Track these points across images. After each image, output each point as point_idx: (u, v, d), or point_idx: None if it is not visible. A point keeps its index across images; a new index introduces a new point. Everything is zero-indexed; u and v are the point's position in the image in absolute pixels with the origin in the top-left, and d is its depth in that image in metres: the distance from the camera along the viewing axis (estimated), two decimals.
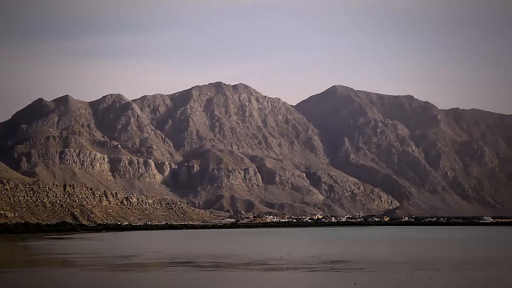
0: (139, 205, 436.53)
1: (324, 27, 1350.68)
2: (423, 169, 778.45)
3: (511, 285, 72.08)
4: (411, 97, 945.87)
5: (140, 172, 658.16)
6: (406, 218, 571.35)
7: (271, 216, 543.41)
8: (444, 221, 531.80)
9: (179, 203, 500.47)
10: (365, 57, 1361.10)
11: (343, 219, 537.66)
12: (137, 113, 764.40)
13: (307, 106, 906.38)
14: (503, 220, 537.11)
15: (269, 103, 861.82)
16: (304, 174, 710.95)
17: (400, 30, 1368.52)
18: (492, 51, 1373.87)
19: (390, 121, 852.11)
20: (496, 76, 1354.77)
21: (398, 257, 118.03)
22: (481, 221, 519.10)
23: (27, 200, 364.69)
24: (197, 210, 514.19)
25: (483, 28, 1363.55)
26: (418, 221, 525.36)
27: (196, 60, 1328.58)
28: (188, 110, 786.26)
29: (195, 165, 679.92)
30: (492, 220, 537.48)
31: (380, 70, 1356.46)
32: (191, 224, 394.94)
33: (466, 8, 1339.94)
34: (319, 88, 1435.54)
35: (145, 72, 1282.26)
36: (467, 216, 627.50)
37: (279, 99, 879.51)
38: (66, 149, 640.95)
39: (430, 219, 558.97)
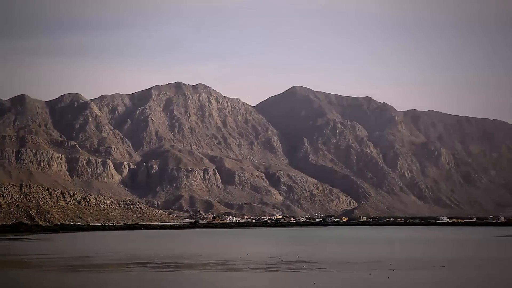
0: (97, 205, 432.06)
1: (283, 28, 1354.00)
2: (381, 170, 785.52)
3: (462, 284, 73.17)
4: (370, 98, 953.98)
5: (98, 172, 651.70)
6: (364, 219, 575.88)
7: (230, 217, 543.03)
8: (401, 221, 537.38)
9: (138, 203, 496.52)
10: (324, 59, 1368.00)
11: (302, 220, 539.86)
12: (95, 112, 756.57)
13: (267, 106, 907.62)
14: (459, 221, 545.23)
15: (229, 104, 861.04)
16: (264, 175, 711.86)
17: (359, 32, 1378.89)
18: (448, 53, 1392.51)
19: (348, 122, 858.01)
20: (453, 78, 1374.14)
21: (357, 257, 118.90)
22: (437, 221, 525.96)
23: None
24: (156, 210, 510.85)
25: (440, 31, 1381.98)
26: (376, 221, 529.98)
27: (156, 60, 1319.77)
28: (147, 110, 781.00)
29: (154, 165, 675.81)
30: (448, 220, 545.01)
31: (339, 72, 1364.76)
32: (149, 225, 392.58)
33: (422, 10, 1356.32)
34: (278, 89, 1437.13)
35: (104, 71, 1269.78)
36: (423, 216, 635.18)
37: (239, 99, 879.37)
38: (22, 149, 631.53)
39: (387, 219, 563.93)
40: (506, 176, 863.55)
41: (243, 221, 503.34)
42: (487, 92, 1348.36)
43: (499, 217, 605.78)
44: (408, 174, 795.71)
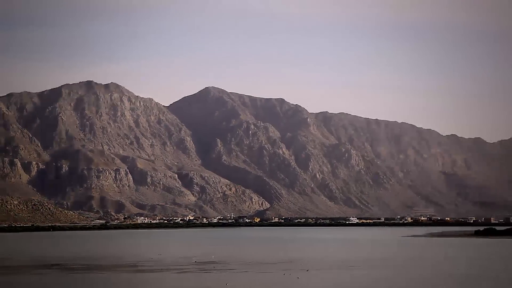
0: (3, 206, 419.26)
1: (197, 29, 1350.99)
2: (293, 171, 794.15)
3: (374, 284, 74.60)
4: (283, 100, 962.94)
5: (5, 172, 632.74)
6: (276, 219, 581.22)
7: (142, 217, 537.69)
8: (312, 222, 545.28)
9: (47, 204, 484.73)
10: (238, 60, 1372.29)
11: (215, 220, 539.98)
12: (2, 110, 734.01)
13: (180, 107, 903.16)
14: (368, 221, 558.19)
15: (142, 103, 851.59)
16: (176, 175, 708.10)
17: (273, 34, 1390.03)
18: (358, 56, 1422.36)
19: (262, 124, 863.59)
20: (363, 81, 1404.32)
21: (270, 257, 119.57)
22: (347, 222, 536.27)
23: None
24: (66, 211, 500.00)
25: (350, 33, 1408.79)
26: (287, 222, 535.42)
27: (66, 58, 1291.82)
28: (57, 109, 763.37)
29: (64, 165, 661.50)
30: (357, 220, 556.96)
31: (252, 73, 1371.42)
32: (59, 226, 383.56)
33: (333, 12, 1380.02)
34: (192, 89, 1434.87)
35: (12, 68, 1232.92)
36: (334, 217, 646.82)
37: (152, 99, 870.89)
38: None
39: (299, 220, 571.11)
40: (412, 177, 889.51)
41: (155, 222, 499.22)
42: (396, 95, 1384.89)
43: (406, 218, 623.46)
44: (319, 175, 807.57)
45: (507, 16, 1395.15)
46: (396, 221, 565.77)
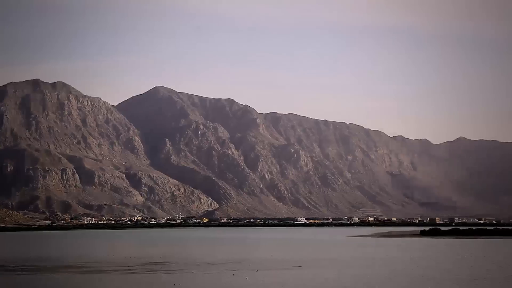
0: None
1: (147, 28, 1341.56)
2: (242, 171, 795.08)
3: (320, 283, 75.17)
4: (232, 100, 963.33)
5: None
6: (225, 220, 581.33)
7: (89, 218, 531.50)
8: (261, 222, 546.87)
9: None
10: (188, 60, 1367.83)
11: (163, 221, 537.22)
12: None
13: (129, 106, 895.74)
14: (316, 221, 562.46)
15: (89, 103, 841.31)
16: (124, 175, 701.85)
17: (222, 34, 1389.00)
18: (307, 58, 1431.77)
19: (211, 124, 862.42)
20: (312, 82, 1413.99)
21: (218, 258, 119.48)
22: (295, 222, 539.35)
23: None
24: (10, 211, 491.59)
25: (298, 34, 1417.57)
26: (236, 222, 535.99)
27: (12, 56, 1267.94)
28: (2, 108, 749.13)
29: (9, 165, 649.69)
30: (305, 221, 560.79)
31: (202, 73, 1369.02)
32: (3, 227, 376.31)
33: (280, 13, 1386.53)
34: (140, 88, 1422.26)
35: None
36: (282, 217, 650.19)
37: (100, 98, 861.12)
38: None
39: (247, 220, 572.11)
40: (360, 178, 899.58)
41: (102, 222, 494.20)
42: (344, 97, 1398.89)
43: (353, 218, 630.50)
44: (268, 176, 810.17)
45: (447, 19, 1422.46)
46: (343, 222, 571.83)
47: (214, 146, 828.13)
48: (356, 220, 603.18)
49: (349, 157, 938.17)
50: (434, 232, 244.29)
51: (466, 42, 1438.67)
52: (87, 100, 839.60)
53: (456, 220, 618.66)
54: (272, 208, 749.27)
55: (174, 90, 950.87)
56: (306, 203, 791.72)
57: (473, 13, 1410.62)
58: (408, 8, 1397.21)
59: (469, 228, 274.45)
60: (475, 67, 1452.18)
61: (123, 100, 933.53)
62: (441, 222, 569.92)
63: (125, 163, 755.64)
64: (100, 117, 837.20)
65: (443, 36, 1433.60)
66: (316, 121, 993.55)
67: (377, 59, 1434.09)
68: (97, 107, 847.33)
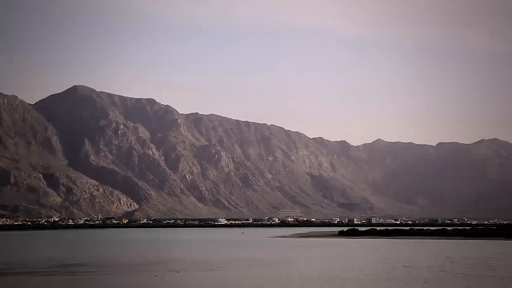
0: None
1: (68, 26, 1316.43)
2: (163, 171, 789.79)
3: (240, 283, 74.97)
4: (153, 100, 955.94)
5: None
6: (145, 220, 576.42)
7: (4, 219, 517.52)
8: (181, 223, 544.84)
9: None
10: (108, 59, 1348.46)
11: (81, 222, 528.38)
12: None
13: (47, 105, 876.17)
14: (236, 222, 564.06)
15: (5, 101, 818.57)
16: (41, 175, 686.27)
17: (143, 33, 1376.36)
18: (229, 58, 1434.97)
19: (131, 124, 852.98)
20: (233, 83, 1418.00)
21: (137, 259, 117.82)
22: (216, 223, 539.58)
23: None
24: None
25: (225, 34, 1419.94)
26: (156, 223, 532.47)
27: None
28: None
29: None
30: (226, 222, 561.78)
31: (123, 72, 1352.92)
32: None
33: (210, 13, 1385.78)
34: (59, 87, 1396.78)
35: None
36: (203, 218, 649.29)
37: (16, 96, 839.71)
38: None
39: (168, 221, 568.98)
40: (280, 179, 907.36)
41: (17, 223, 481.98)
42: (265, 98, 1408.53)
43: (274, 219, 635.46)
44: (189, 176, 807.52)
45: (367, 23, 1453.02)
46: (264, 222, 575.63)
47: (135, 146, 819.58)
48: (277, 220, 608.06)
49: (269, 158, 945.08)
50: (352, 233, 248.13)
51: (386, 47, 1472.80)
52: (3, 98, 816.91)
53: (374, 220, 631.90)
54: (192, 209, 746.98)
55: (94, 89, 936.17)
56: (226, 204, 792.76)
57: (392, 19, 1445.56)
58: (331, 11, 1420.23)
59: (385, 229, 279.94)
60: (394, 71, 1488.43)
61: (41, 99, 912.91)
62: (359, 222, 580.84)
63: (42, 163, 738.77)
64: (17, 115, 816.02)
65: (364, 40, 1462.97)
66: (237, 122, 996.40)
67: (298, 60, 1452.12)
68: (14, 105, 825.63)
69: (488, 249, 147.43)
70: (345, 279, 76.63)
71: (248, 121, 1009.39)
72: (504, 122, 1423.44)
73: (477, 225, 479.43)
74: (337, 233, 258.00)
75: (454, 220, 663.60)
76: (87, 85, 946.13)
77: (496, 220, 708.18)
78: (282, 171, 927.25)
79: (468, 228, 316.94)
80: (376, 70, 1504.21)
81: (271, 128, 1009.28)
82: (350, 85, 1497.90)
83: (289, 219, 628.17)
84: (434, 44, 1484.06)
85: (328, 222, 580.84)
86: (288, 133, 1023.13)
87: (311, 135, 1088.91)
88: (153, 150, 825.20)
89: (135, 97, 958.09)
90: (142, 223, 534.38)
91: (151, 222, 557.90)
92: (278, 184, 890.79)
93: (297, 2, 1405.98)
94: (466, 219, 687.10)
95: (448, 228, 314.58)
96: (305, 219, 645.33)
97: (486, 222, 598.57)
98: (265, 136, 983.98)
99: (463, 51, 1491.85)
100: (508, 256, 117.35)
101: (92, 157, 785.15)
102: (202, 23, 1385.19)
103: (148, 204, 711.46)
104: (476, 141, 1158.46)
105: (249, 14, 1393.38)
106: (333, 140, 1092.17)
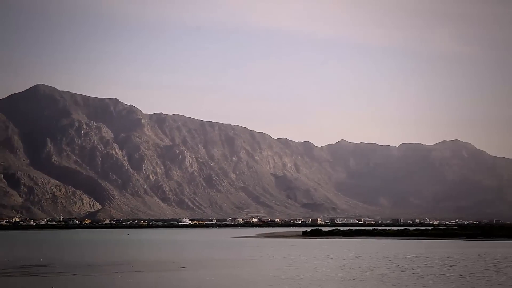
0: None
1: (29, 25, 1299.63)
2: (126, 172, 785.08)
3: (203, 284, 75.14)
4: (116, 100, 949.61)
5: None
6: (108, 221, 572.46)
7: None
8: (145, 223, 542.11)
9: None
10: (71, 58, 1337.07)
11: (43, 222, 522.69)
12: None
13: (7, 104, 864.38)
14: (200, 222, 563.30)
15: None
16: (2, 175, 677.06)
17: (106, 32, 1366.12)
18: (192, 58, 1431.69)
19: (94, 123, 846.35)
20: (197, 83, 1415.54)
21: (100, 259, 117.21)
22: (180, 223, 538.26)
23: None
24: None
25: (187, 35, 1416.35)
26: (119, 224, 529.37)
27: None
28: None
29: None
30: (190, 222, 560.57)
31: (86, 72, 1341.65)
32: None
33: (169, 13, 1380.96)
34: (20, 86, 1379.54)
35: None
36: (166, 218, 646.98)
37: None
38: None
39: (131, 221, 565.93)
40: (244, 179, 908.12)
41: None
42: (230, 98, 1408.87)
43: (238, 219, 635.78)
44: (152, 177, 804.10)
45: (332, 24, 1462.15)
46: (228, 223, 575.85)
47: (98, 146, 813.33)
48: (240, 221, 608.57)
49: (234, 158, 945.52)
50: (316, 233, 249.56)
51: (352, 48, 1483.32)
52: None
53: (337, 220, 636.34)
54: (156, 209, 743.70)
55: (56, 89, 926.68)
56: (190, 204, 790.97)
57: (359, 20, 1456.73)
58: (299, 13, 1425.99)
59: (349, 229, 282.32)
60: (358, 72, 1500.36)
61: (1, 98, 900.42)
62: (323, 223, 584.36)
63: (3, 162, 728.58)
64: None
65: (331, 41, 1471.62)
66: (201, 122, 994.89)
67: (263, 61, 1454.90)
68: None
69: (448, 249, 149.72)
70: (305, 279, 77.37)
71: (212, 121, 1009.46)
72: (465, 124, 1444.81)
73: (438, 225, 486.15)
74: (300, 233, 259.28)
75: (416, 220, 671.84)
76: (49, 85, 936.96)
77: (457, 220, 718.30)
78: (246, 172, 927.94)
79: (429, 228, 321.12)
80: (341, 71, 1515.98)
81: (235, 128, 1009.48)
82: (314, 86, 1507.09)
83: (253, 220, 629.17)
84: (399, 45, 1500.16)
85: (292, 222, 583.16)
86: (252, 133, 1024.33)
87: (275, 135, 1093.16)
88: (117, 150, 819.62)
89: (98, 96, 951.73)
90: (105, 224, 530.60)
91: (114, 222, 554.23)
92: (242, 185, 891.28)
93: (264, 3, 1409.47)
94: (428, 220, 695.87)
95: (410, 228, 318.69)
96: (269, 219, 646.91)
97: (447, 223, 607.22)
98: (229, 136, 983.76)
99: (426, 53, 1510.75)
100: (467, 256, 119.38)
101: (54, 157, 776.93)
102: (166, 23, 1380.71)
103: (111, 205, 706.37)
104: (438, 142, 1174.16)
105: (215, 14, 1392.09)
106: (297, 141, 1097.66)
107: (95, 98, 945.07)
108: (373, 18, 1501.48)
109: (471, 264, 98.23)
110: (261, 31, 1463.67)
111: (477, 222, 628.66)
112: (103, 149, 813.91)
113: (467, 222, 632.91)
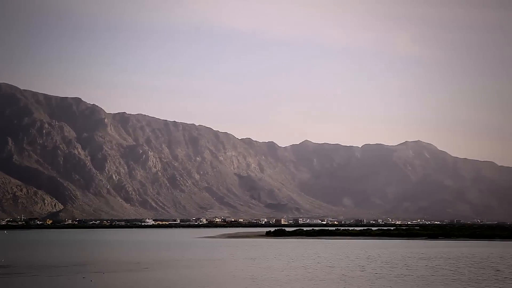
0: None
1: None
2: (89, 172, 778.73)
3: (166, 285, 75.40)
4: (79, 99, 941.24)
5: None
6: (70, 221, 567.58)
7: None
8: (107, 223, 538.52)
9: None
10: (33, 56, 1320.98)
11: (3, 223, 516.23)
12: None
13: None
14: (163, 223, 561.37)
15: None
16: None
17: (69, 31, 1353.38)
18: (157, 58, 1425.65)
19: (57, 123, 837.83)
20: (161, 83, 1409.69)
21: (62, 260, 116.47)
22: (143, 224, 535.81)
23: None
24: None
25: (146, 35, 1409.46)
26: (82, 224, 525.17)
27: None
28: None
29: None
30: (153, 222, 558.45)
31: (48, 71, 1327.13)
32: None
33: (126, 10, 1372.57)
34: None
35: None
36: (129, 218, 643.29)
37: None
38: None
39: (94, 222, 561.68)
40: (208, 179, 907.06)
41: None
42: (194, 99, 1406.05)
43: (201, 219, 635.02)
44: (116, 177, 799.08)
45: (294, 25, 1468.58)
46: (191, 223, 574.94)
47: (60, 145, 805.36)
48: (204, 221, 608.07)
49: (197, 158, 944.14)
50: (279, 233, 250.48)
51: (314, 48, 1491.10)
52: None
53: (301, 221, 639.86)
54: (119, 209, 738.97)
55: (18, 87, 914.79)
56: (154, 204, 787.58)
57: (320, 21, 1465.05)
58: (254, 13, 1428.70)
59: (312, 229, 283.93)
60: (320, 72, 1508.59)
61: None
62: (287, 223, 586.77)
63: None
64: None
65: (292, 42, 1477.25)
66: (165, 122, 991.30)
67: (227, 62, 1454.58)
68: None
69: (409, 249, 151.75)
70: (266, 279, 77.97)
71: (176, 121, 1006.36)
72: (427, 125, 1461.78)
73: (400, 225, 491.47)
74: (264, 233, 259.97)
75: (379, 220, 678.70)
76: (10, 83, 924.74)
77: (419, 220, 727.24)
78: (210, 172, 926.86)
79: (392, 228, 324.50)
80: (305, 72, 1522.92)
81: (199, 128, 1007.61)
82: (278, 86, 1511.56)
83: (217, 220, 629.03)
84: (361, 46, 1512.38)
85: (256, 222, 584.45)
86: (216, 133, 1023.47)
87: (239, 135, 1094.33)
88: (79, 149, 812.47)
89: (60, 96, 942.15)
90: (67, 224, 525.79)
91: (76, 223, 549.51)
92: (206, 185, 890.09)
93: (231, 5, 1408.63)
94: (390, 220, 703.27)
95: (373, 228, 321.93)
96: (232, 219, 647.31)
97: (409, 223, 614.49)
98: (193, 136, 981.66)
99: (388, 55, 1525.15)
100: (427, 256, 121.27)
101: (15, 156, 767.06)
102: (129, 22, 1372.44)
103: (74, 205, 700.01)
104: (400, 143, 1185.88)
105: (179, 14, 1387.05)
106: (261, 141, 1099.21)
107: (57, 97, 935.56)
108: (335, 19, 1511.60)
109: (431, 264, 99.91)
110: (226, 32, 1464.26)
111: (438, 222, 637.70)
112: (65, 148, 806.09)
113: (429, 222, 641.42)
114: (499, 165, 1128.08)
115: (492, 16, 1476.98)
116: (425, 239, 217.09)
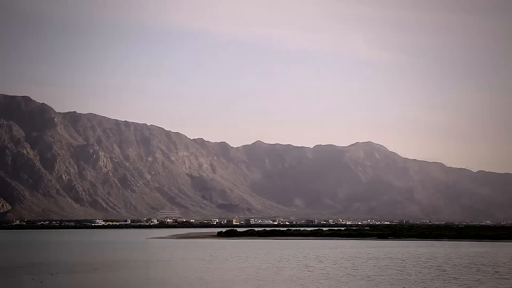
0: None
1: None
2: (38, 171, 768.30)
3: (117, 286, 75.38)
4: (28, 98, 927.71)
5: None
6: (18, 222, 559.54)
7: None
8: (56, 224, 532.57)
9: None
10: None
11: None
12: None
13: None
14: (114, 223, 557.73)
15: None
16: None
17: (18, 28, 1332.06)
18: (109, 56, 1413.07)
19: (5, 122, 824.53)
20: (114, 82, 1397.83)
21: (8, 262, 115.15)
22: (93, 224, 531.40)
23: None
24: None
25: (101, 34, 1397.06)
26: (30, 225, 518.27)
27: None
28: None
29: None
30: (103, 223, 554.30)
31: None
32: None
33: (77, 10, 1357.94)
34: None
35: None
36: (79, 219, 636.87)
37: None
38: None
39: (42, 222, 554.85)
40: (160, 180, 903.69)
41: None
42: (145, 98, 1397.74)
43: (152, 220, 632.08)
44: (65, 177, 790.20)
45: (258, 25, 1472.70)
46: (142, 223, 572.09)
47: (8, 145, 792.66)
48: (155, 221, 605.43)
49: (149, 158, 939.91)
50: (231, 234, 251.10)
51: (268, 49, 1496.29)
52: None
53: (252, 221, 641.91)
54: (68, 210, 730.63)
55: None
56: (104, 205, 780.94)
57: (276, 21, 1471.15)
58: (204, 12, 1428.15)
59: (263, 230, 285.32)
60: (273, 72, 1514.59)
61: None
62: (238, 223, 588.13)
63: None
64: None
65: (246, 42, 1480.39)
66: (116, 121, 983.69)
67: (180, 61, 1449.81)
68: None
69: (359, 248, 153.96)
70: (215, 280, 78.57)
71: (128, 121, 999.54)
72: (378, 126, 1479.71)
73: (351, 225, 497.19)
74: (216, 234, 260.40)
75: (330, 221, 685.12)
76: None
77: (369, 220, 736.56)
78: (162, 172, 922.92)
79: (342, 228, 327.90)
80: (257, 73, 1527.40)
81: (151, 128, 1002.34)
82: (231, 86, 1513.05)
83: (168, 220, 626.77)
84: (314, 47, 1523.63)
85: (207, 223, 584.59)
86: (168, 133, 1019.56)
87: (191, 136, 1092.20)
88: (28, 149, 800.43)
89: (8, 94, 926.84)
90: (15, 225, 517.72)
91: (24, 223, 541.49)
92: (158, 185, 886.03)
93: (183, 3, 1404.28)
94: (341, 220, 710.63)
95: (324, 228, 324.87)
96: (184, 220, 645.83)
97: (359, 223, 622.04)
98: (144, 136, 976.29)
99: (341, 56, 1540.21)
100: (375, 255, 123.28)
101: None
102: (81, 20, 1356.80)
103: (22, 205, 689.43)
104: (351, 144, 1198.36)
105: (130, 13, 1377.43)
106: (213, 141, 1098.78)
107: (5, 96, 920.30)
108: (291, 20, 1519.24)
109: (378, 264, 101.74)
110: (177, 31, 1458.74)
111: (388, 223, 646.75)
112: (13, 148, 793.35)
113: (379, 222, 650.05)
114: (447, 166, 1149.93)
115: (441, 19, 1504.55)
116: (375, 239, 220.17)
